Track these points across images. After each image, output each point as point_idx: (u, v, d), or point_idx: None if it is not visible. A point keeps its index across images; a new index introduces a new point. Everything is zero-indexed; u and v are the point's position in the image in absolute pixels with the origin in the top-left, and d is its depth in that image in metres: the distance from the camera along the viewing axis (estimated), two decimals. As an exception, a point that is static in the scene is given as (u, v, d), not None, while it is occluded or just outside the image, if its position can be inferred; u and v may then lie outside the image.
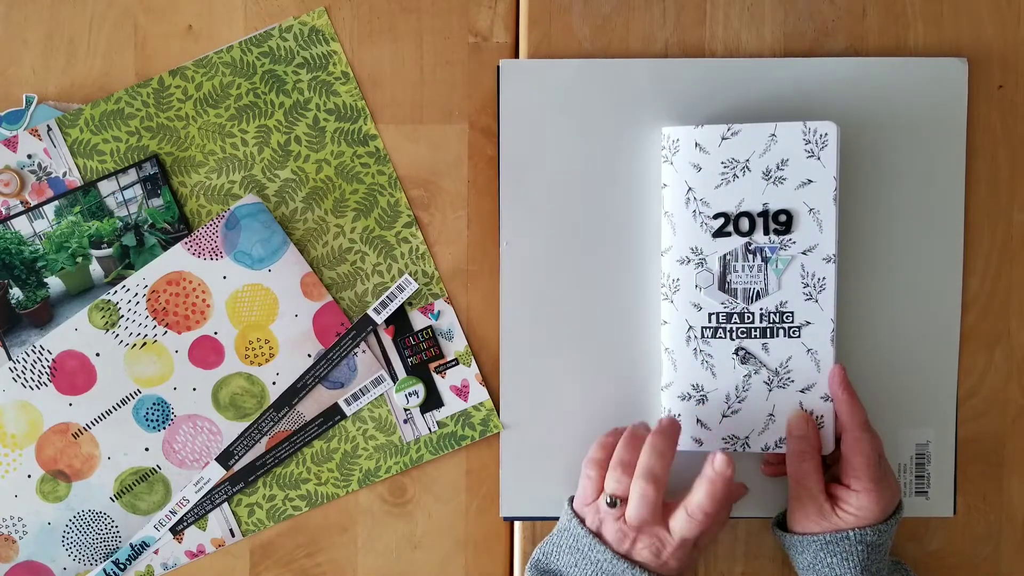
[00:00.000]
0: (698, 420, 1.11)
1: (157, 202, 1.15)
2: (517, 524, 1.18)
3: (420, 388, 1.17)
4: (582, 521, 1.09)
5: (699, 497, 1.03)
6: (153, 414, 1.16)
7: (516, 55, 1.17)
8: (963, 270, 1.16)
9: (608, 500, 1.06)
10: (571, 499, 1.12)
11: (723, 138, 1.08)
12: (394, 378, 1.17)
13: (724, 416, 1.11)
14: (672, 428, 1.06)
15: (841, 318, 1.12)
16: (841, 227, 1.10)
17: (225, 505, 1.17)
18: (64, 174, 1.15)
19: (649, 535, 1.05)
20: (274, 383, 1.17)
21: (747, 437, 1.11)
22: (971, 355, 1.17)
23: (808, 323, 1.08)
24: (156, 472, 1.17)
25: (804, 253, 1.07)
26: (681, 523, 1.04)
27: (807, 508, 1.07)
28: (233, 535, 1.18)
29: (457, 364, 1.18)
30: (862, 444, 1.05)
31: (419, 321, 1.17)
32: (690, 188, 1.09)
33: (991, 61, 1.16)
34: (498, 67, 1.15)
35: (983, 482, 1.18)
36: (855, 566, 1.05)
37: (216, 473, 1.17)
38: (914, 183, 1.14)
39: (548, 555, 1.10)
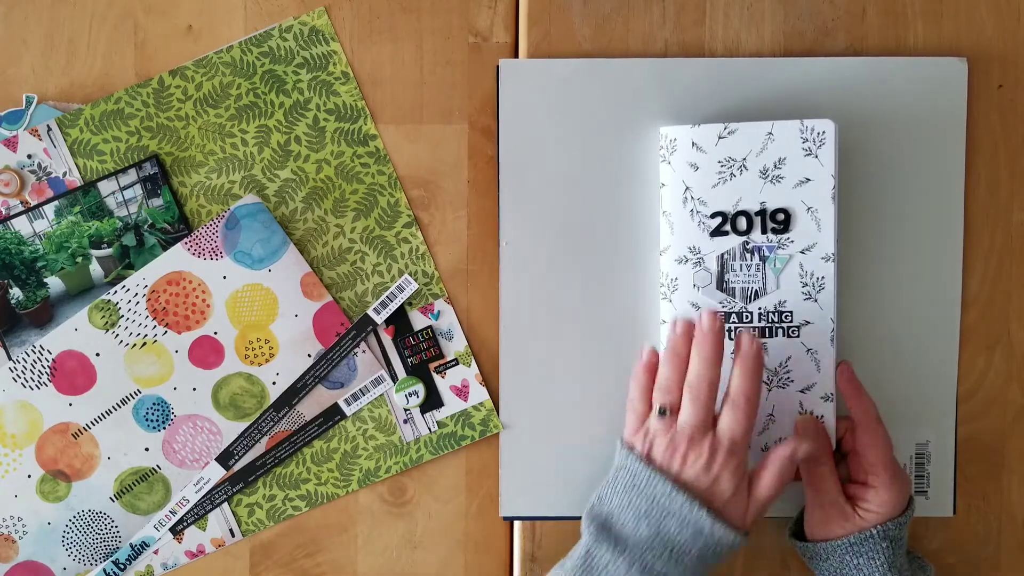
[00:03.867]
0: (697, 420, 1.11)
1: (157, 202, 1.15)
2: (517, 524, 1.18)
3: (420, 388, 1.17)
4: (636, 454, 1.03)
5: (736, 382, 1.02)
6: (153, 414, 1.16)
7: (516, 55, 1.17)
8: (963, 270, 1.16)
9: (659, 410, 1.02)
10: (621, 438, 1.07)
11: (720, 137, 1.08)
12: (394, 378, 1.17)
13: (723, 416, 1.11)
14: (715, 326, 1.03)
15: (840, 318, 1.12)
16: (840, 227, 1.10)
17: (225, 505, 1.17)
18: (64, 174, 1.15)
19: (699, 446, 1.00)
20: (274, 383, 1.17)
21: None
22: (971, 355, 1.17)
23: (807, 323, 1.08)
24: (156, 472, 1.17)
25: (802, 252, 1.07)
26: (727, 419, 1.01)
27: (828, 512, 1.07)
28: (233, 535, 1.18)
29: (457, 364, 1.18)
30: (877, 439, 1.05)
31: (419, 321, 1.17)
32: (687, 187, 1.09)
33: (991, 61, 1.16)
34: (498, 67, 1.15)
35: (983, 482, 1.18)
36: (882, 564, 1.05)
37: (216, 473, 1.17)
38: (914, 183, 1.14)
39: (602, 498, 1.05)
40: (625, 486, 1.03)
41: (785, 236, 1.07)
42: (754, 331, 1.09)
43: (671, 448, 1.01)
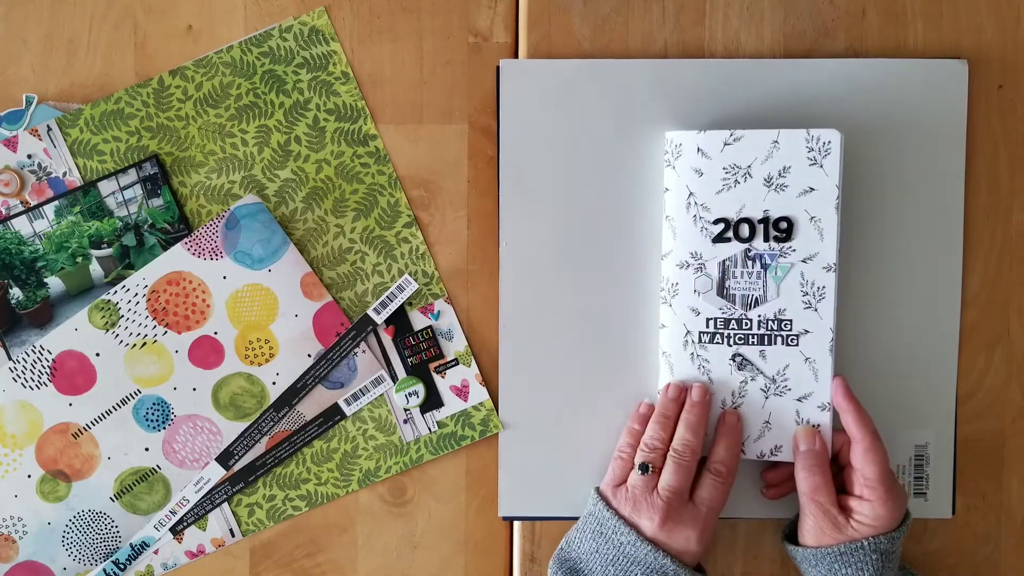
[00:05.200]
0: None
1: (157, 202, 1.15)
2: (517, 524, 1.19)
3: (420, 388, 1.17)
4: (608, 503, 1.10)
5: (719, 452, 1.09)
6: (153, 414, 1.16)
7: (516, 55, 1.17)
8: (963, 270, 1.16)
9: (641, 467, 1.08)
10: (597, 487, 1.13)
11: (725, 144, 1.08)
12: (394, 378, 1.17)
13: (720, 421, 1.12)
14: (704, 398, 1.10)
15: (840, 319, 1.11)
16: (842, 233, 1.10)
17: (225, 505, 1.17)
18: (64, 174, 1.15)
19: (676, 514, 1.06)
20: (274, 383, 1.17)
21: (743, 444, 1.11)
22: (971, 355, 1.17)
23: (807, 332, 1.08)
24: (156, 472, 1.17)
25: (804, 261, 1.07)
26: (708, 487, 1.08)
27: (820, 522, 1.07)
28: (233, 535, 1.18)
29: (457, 364, 1.18)
30: (875, 454, 1.05)
31: (419, 321, 1.17)
32: (691, 193, 1.09)
33: (991, 61, 1.16)
34: (498, 67, 1.15)
35: (983, 482, 1.18)
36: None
37: (216, 473, 1.17)
38: (914, 184, 1.14)
39: (571, 543, 1.12)
40: (593, 533, 1.10)
41: (787, 245, 1.07)
42: (753, 339, 1.10)
43: (649, 510, 1.07)
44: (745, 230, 1.08)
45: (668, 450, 1.08)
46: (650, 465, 1.08)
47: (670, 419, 1.10)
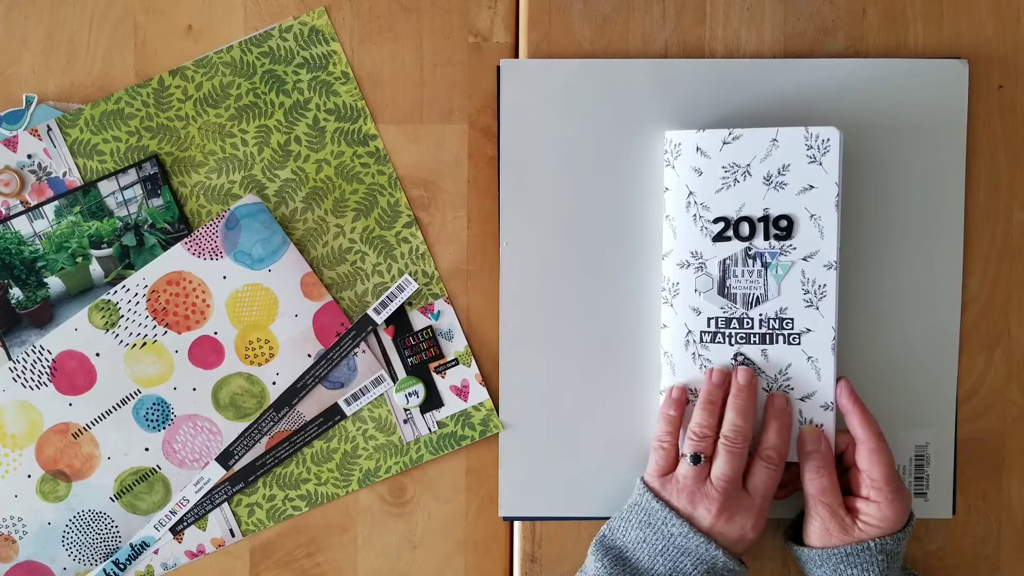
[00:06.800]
0: (697, 424, 1.12)
1: (157, 202, 1.15)
2: (517, 524, 1.18)
3: (420, 388, 1.17)
4: (657, 494, 1.09)
5: (772, 438, 1.08)
6: (153, 414, 1.16)
7: (516, 55, 1.17)
8: (963, 270, 1.16)
9: (693, 457, 1.07)
10: (642, 477, 1.12)
11: (724, 142, 1.08)
12: (394, 378, 1.17)
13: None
14: (752, 382, 1.09)
15: (841, 320, 1.11)
16: (842, 232, 1.10)
17: (225, 505, 1.17)
18: (64, 174, 1.15)
19: (732, 504, 1.06)
20: (274, 383, 1.17)
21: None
22: (971, 355, 1.17)
23: (808, 330, 1.08)
24: (156, 472, 1.17)
25: (805, 259, 1.07)
26: (761, 474, 1.07)
27: (828, 523, 1.07)
28: (233, 535, 1.18)
29: (457, 364, 1.18)
30: (881, 455, 1.06)
31: (419, 321, 1.17)
32: (691, 192, 1.09)
33: (991, 61, 1.16)
34: (498, 67, 1.15)
35: (983, 482, 1.18)
36: None
37: (216, 473, 1.17)
38: (914, 184, 1.14)
39: (615, 531, 1.10)
40: (640, 523, 1.08)
41: (787, 243, 1.07)
42: (755, 338, 1.10)
43: (705, 501, 1.06)
44: (745, 229, 1.08)
45: (716, 437, 1.08)
46: (702, 455, 1.07)
47: (716, 405, 1.09)
